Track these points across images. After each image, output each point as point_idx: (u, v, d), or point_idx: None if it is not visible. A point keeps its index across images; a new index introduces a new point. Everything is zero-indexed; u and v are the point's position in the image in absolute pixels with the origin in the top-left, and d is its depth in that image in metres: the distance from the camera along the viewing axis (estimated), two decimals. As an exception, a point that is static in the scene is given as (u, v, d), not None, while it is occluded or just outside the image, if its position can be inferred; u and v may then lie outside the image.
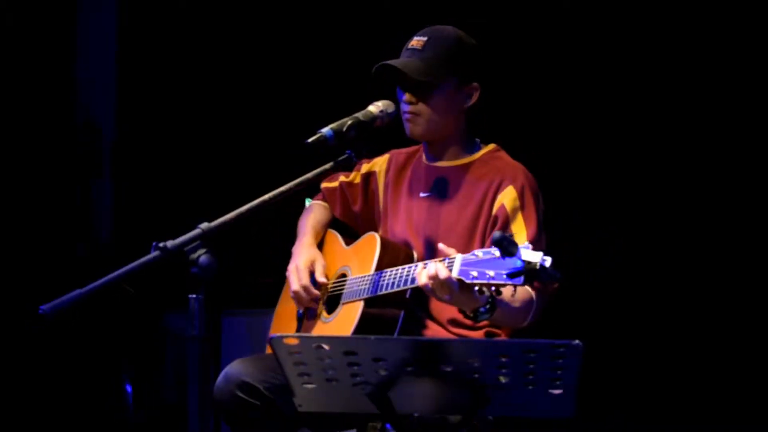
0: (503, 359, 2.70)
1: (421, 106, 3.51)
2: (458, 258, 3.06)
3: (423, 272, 3.15)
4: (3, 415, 5.24)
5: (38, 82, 5.57)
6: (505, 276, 2.90)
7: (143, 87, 5.58)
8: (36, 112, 5.55)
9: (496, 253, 2.92)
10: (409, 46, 3.54)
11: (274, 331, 3.82)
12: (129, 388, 5.30)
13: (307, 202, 3.91)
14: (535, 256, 2.83)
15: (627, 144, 4.79)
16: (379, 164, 3.77)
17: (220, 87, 5.43)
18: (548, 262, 2.83)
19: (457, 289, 3.08)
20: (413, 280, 3.27)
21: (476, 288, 3.00)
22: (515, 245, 2.81)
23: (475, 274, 2.98)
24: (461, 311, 3.18)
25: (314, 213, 3.84)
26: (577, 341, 2.66)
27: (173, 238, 2.86)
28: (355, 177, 3.79)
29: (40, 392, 5.31)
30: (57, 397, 5.34)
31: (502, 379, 2.74)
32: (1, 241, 5.40)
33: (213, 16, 5.46)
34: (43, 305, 2.77)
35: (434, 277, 3.10)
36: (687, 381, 4.72)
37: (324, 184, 3.85)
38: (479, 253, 3.01)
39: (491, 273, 2.95)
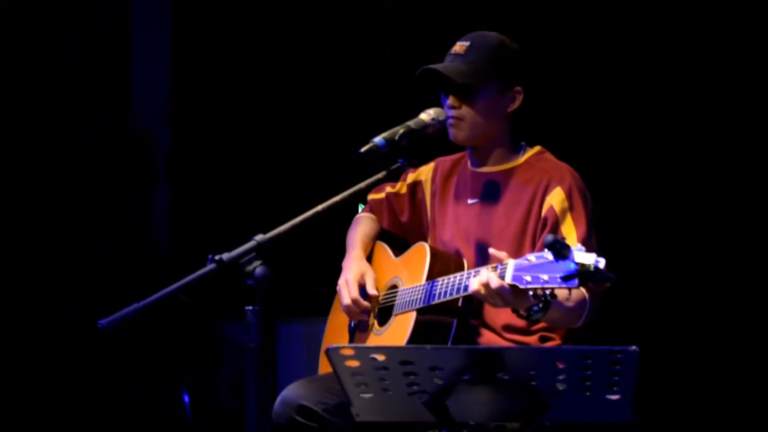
0: (560, 366, 2.70)
1: (464, 111, 3.51)
2: (510, 263, 3.05)
3: (474, 280, 3.15)
4: (60, 419, 5.29)
5: (94, 90, 5.62)
6: (559, 279, 2.88)
7: (198, 94, 5.61)
8: (92, 119, 5.60)
9: (549, 256, 2.91)
10: (452, 51, 3.55)
11: (327, 344, 3.81)
12: (186, 397, 5.34)
13: (360, 207, 3.92)
14: (588, 258, 2.81)
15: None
16: (424, 173, 3.76)
17: (274, 95, 5.45)
18: (602, 263, 2.81)
19: (509, 295, 3.08)
20: (465, 288, 3.27)
21: (530, 292, 2.99)
22: (568, 248, 2.80)
23: (528, 278, 2.97)
24: (514, 311, 3.16)
25: (362, 225, 3.84)
26: (634, 347, 2.64)
27: (229, 246, 2.88)
28: (402, 187, 3.79)
29: (98, 399, 5.35)
30: (116, 404, 5.38)
31: (559, 386, 2.74)
32: (61, 249, 5.45)
33: (267, 22, 5.48)
34: (101, 320, 2.80)
35: (486, 285, 3.10)
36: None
37: (371, 196, 3.85)
38: (531, 257, 2.99)
39: (545, 277, 2.93)
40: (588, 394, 2.75)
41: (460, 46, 3.54)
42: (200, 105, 5.60)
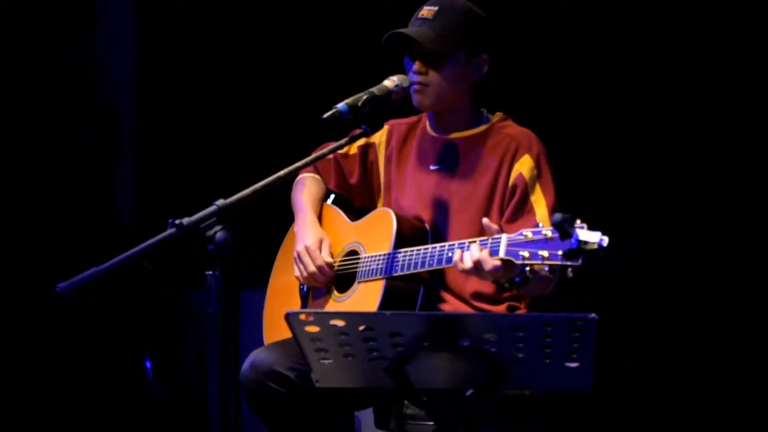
0: (520, 333, 2.70)
1: (430, 77, 3.48)
2: (504, 238, 3.04)
3: (465, 255, 3.13)
4: (20, 392, 5.27)
5: (58, 63, 5.58)
6: (561, 256, 2.87)
7: (161, 66, 5.58)
8: (56, 91, 5.56)
9: (548, 233, 2.91)
10: (420, 15, 3.51)
11: (271, 309, 3.79)
12: (149, 364, 5.32)
13: None
14: (593, 236, 2.80)
15: (624, 144, 4.76)
16: (377, 136, 3.67)
17: (237, 63, 5.42)
18: (606, 241, 2.80)
19: (499, 270, 3.08)
20: (448, 260, 3.24)
21: (527, 267, 2.98)
22: (573, 226, 2.80)
23: (526, 254, 2.95)
24: (494, 281, 3.17)
25: (308, 187, 3.78)
26: (593, 315, 2.65)
27: (191, 213, 2.87)
28: (351, 148, 3.72)
29: (59, 370, 5.33)
30: (77, 374, 5.36)
31: (519, 354, 2.74)
32: (21, 220, 5.41)
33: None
34: (60, 283, 2.78)
35: (478, 262, 3.09)
36: (687, 385, 4.70)
37: (315, 155, 3.78)
38: (528, 233, 2.96)
39: (545, 254, 2.91)
40: (547, 361, 2.76)
41: (427, 11, 3.50)
42: (164, 76, 5.57)
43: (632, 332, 4.67)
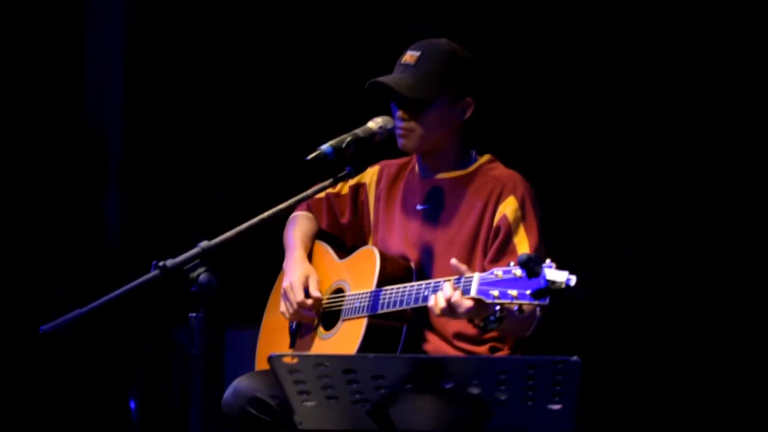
0: (502, 376, 2.70)
1: (414, 123, 3.49)
2: (476, 277, 3.07)
3: (439, 295, 3.16)
4: (10, 422, 5.25)
5: (47, 90, 5.58)
6: (529, 295, 2.91)
7: (151, 95, 5.59)
8: (45, 118, 5.57)
9: (517, 272, 2.94)
10: (402, 61, 3.53)
11: (263, 345, 3.81)
12: (133, 403, 5.31)
13: None
14: (560, 276, 2.83)
15: (622, 146, 4.78)
16: (368, 176, 3.72)
17: (226, 92, 5.44)
18: (573, 281, 2.83)
19: (471, 309, 3.11)
20: (425, 299, 3.26)
21: (497, 307, 3.01)
22: (540, 265, 2.82)
23: (496, 293, 2.99)
24: (469, 320, 3.18)
25: (300, 225, 3.79)
26: (575, 357, 2.66)
27: (177, 250, 2.89)
28: (342, 188, 3.75)
29: (42, 409, 5.32)
30: (65, 406, 5.35)
31: (502, 396, 2.74)
32: (8, 247, 5.41)
33: (220, 26, 5.46)
34: (43, 325, 2.79)
35: (448, 301, 3.12)
36: (682, 383, 4.70)
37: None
38: (498, 272, 3.00)
39: (514, 293, 2.95)
40: (530, 403, 2.76)
41: (410, 56, 3.51)
42: (153, 109, 5.58)
43: (627, 330, 4.67)
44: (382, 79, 3.48)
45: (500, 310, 3.03)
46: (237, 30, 5.43)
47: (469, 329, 3.42)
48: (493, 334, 3.40)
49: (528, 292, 2.90)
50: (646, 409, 4.74)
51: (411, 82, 3.47)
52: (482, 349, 3.48)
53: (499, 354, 3.49)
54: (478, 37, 4.46)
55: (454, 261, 3.19)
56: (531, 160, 4.53)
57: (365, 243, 3.72)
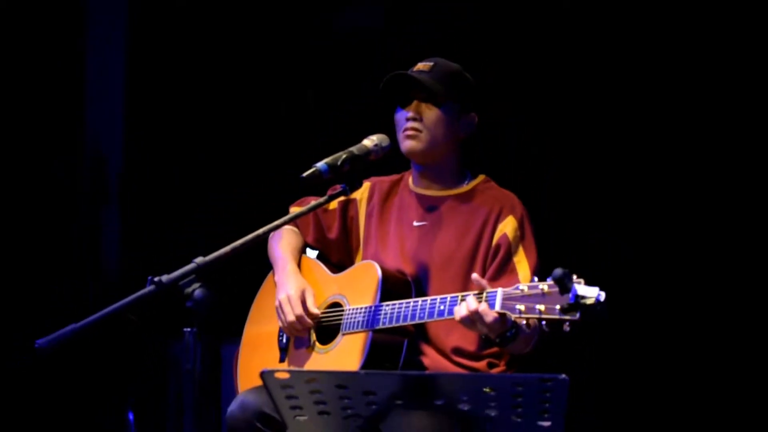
0: (491, 393, 2.73)
1: (424, 123, 3.55)
2: (500, 292, 3.11)
3: (461, 307, 3.18)
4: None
5: (48, 114, 5.60)
6: (558, 310, 2.93)
7: (151, 118, 5.61)
8: (45, 142, 5.59)
9: (544, 287, 2.97)
10: (416, 68, 3.60)
11: (246, 359, 3.80)
12: (132, 417, 5.32)
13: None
14: (590, 291, 2.85)
15: (622, 147, 4.79)
16: (359, 192, 3.73)
17: (225, 114, 5.46)
18: (603, 296, 2.85)
19: (495, 323, 3.14)
20: (440, 313, 3.29)
21: (523, 322, 3.03)
22: (572, 281, 2.84)
23: (522, 308, 3.02)
24: (485, 335, 3.22)
25: (286, 238, 3.81)
26: (563, 375, 2.68)
27: (175, 266, 2.90)
28: (331, 203, 3.75)
29: (41, 423, 5.33)
30: (61, 421, 5.36)
31: (491, 413, 2.77)
32: (8, 268, 5.42)
33: (220, 51, 5.48)
34: (39, 340, 2.80)
35: (475, 312, 3.15)
36: (681, 384, 4.70)
37: (293, 208, 3.79)
38: (524, 287, 3.04)
39: (542, 308, 2.98)
40: (519, 420, 2.78)
41: (424, 65, 3.60)
42: (153, 125, 5.60)
43: (627, 330, 4.68)
44: (404, 71, 3.56)
45: (526, 324, 3.06)
46: (239, 52, 5.46)
47: (468, 344, 3.47)
48: (493, 350, 3.45)
49: (558, 307, 2.93)
50: (646, 409, 4.74)
51: (428, 80, 3.54)
52: (480, 365, 3.51)
53: (496, 370, 3.52)
54: (478, 37, 4.50)
55: (475, 276, 3.22)
56: (531, 160, 4.59)
57: (352, 259, 3.74)
